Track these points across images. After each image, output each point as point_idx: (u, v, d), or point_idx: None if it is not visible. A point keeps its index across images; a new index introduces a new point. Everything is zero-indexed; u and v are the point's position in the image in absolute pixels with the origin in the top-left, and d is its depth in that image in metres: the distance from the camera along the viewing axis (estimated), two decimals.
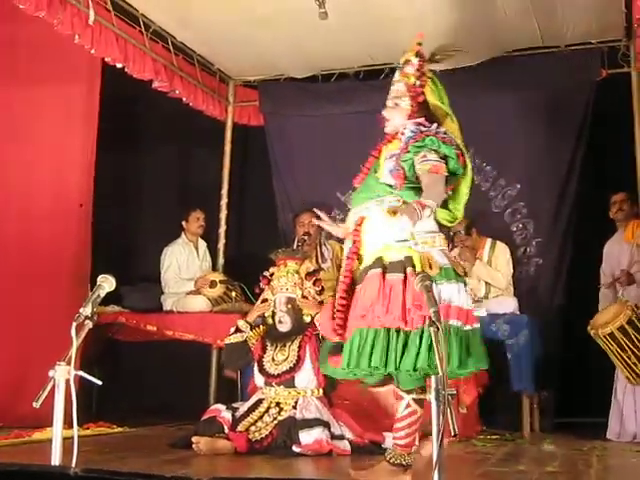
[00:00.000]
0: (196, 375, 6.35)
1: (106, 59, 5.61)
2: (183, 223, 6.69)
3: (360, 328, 3.20)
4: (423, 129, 3.42)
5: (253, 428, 4.38)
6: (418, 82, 3.54)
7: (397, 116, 3.54)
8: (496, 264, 5.98)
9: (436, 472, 2.45)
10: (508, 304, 5.76)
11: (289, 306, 4.70)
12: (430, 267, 3.22)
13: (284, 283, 4.70)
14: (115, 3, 5.58)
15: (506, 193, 6.56)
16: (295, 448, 4.23)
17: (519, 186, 6.51)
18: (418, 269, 3.19)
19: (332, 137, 6.89)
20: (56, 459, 2.81)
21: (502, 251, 6.03)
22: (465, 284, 3.39)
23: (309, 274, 4.78)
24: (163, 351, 6.41)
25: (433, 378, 2.54)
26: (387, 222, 3.32)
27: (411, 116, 3.52)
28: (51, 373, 2.82)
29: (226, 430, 4.38)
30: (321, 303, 4.62)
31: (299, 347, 4.61)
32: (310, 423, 4.30)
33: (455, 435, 2.51)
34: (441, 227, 3.44)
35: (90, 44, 5.33)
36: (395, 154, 3.42)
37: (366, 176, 3.53)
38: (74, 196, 5.72)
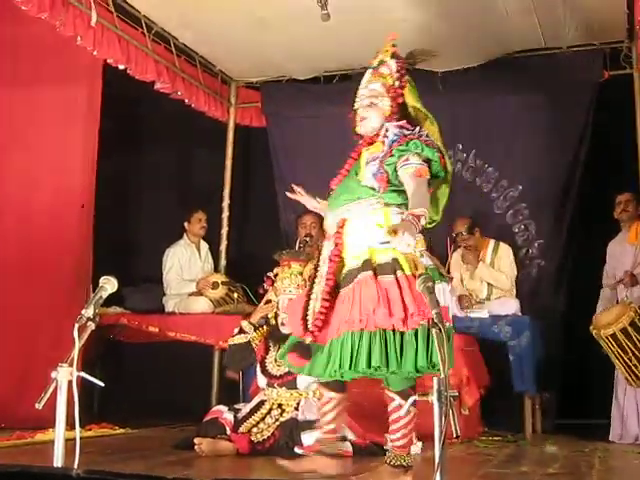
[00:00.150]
0: (198, 376, 6.35)
1: (108, 60, 5.62)
2: (185, 224, 6.69)
3: (352, 331, 3.18)
4: (406, 132, 3.40)
5: (255, 429, 4.38)
6: (398, 83, 3.53)
7: (374, 116, 3.51)
8: (499, 265, 5.98)
9: (438, 473, 2.45)
10: (510, 305, 5.77)
11: None
12: (416, 268, 3.23)
13: (288, 284, 4.69)
14: (117, 4, 5.58)
15: (508, 194, 6.56)
16: (297, 449, 4.22)
17: (521, 187, 6.52)
18: (407, 271, 3.20)
19: (334, 138, 6.87)
20: (58, 460, 2.81)
21: (505, 252, 6.03)
22: (447, 284, 3.40)
23: None
24: (165, 352, 6.41)
25: (435, 380, 2.53)
26: (370, 225, 3.32)
27: (390, 117, 3.51)
28: (53, 374, 2.82)
29: (228, 431, 4.38)
30: None
31: None
32: (312, 424, 4.29)
33: (457, 436, 2.51)
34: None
35: (92, 45, 5.33)
36: (377, 157, 3.39)
37: (344, 178, 3.50)
38: (76, 197, 5.72)
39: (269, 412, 4.51)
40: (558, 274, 6.33)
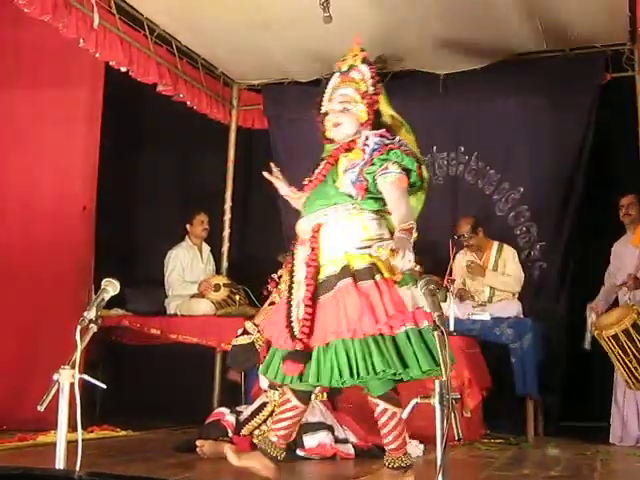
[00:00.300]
0: (200, 378, 6.35)
1: (110, 63, 5.62)
2: (187, 226, 6.70)
3: (343, 339, 3.16)
4: (387, 141, 3.36)
5: (257, 432, 4.38)
6: (372, 89, 3.50)
7: (348, 122, 3.47)
8: (504, 268, 5.98)
9: (440, 476, 2.45)
10: (512, 308, 5.76)
11: None
12: (394, 273, 3.22)
13: None
14: (120, 7, 5.59)
15: (510, 196, 6.57)
16: (299, 452, 4.24)
17: (522, 190, 6.52)
18: (385, 274, 3.20)
19: None
20: (60, 463, 2.81)
21: (511, 255, 6.03)
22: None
23: None
24: (167, 354, 6.41)
25: (437, 382, 2.53)
26: (346, 230, 3.30)
27: (365, 124, 3.47)
28: (55, 377, 2.82)
29: (230, 434, 4.38)
30: None
31: None
32: (314, 427, 4.30)
33: (459, 439, 2.50)
34: (392, 234, 3.41)
35: (95, 48, 5.34)
36: (357, 164, 3.34)
37: (320, 183, 3.46)
38: (77, 199, 5.72)
39: (271, 414, 4.49)
40: (560, 276, 6.33)
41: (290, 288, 3.38)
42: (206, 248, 6.83)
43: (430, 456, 3.92)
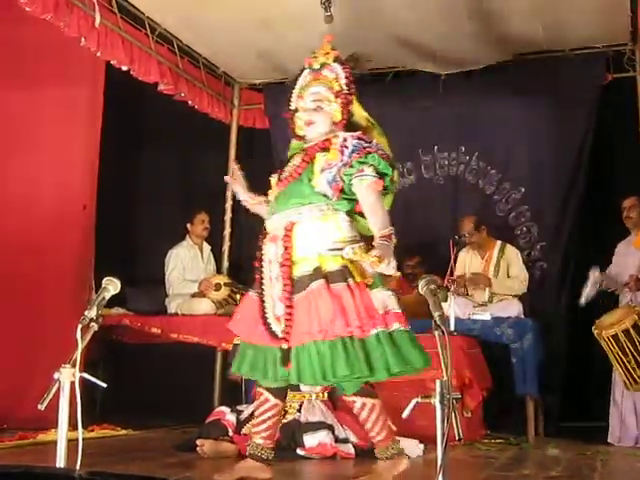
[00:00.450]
0: (200, 378, 6.35)
1: (112, 62, 5.62)
2: (188, 225, 6.70)
3: (315, 341, 3.17)
4: (365, 145, 3.36)
5: None
6: (347, 89, 3.51)
7: (321, 120, 3.48)
8: (506, 268, 5.97)
9: (440, 476, 2.45)
10: (512, 308, 5.76)
11: None
12: (364, 276, 3.25)
13: None
14: (121, 6, 5.59)
15: (510, 197, 6.57)
16: (299, 451, 4.24)
17: (523, 190, 6.53)
18: (357, 278, 3.22)
19: None
20: (61, 461, 2.82)
21: (514, 256, 6.02)
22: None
23: None
24: (167, 354, 6.41)
25: (437, 382, 2.54)
26: (320, 231, 3.32)
27: (339, 124, 3.48)
28: (56, 375, 2.82)
29: (230, 433, 4.39)
30: None
31: None
32: (314, 426, 4.31)
33: (460, 439, 2.51)
34: (361, 236, 3.42)
35: (96, 47, 5.34)
36: (335, 165, 3.34)
37: (294, 180, 3.44)
38: (77, 198, 5.72)
39: None
40: (560, 276, 6.32)
41: (260, 284, 3.39)
42: (207, 247, 6.83)
43: (430, 456, 3.91)
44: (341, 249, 3.23)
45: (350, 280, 3.21)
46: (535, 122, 6.51)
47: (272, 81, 7.12)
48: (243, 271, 6.77)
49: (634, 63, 6.07)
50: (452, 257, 5.72)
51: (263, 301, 3.34)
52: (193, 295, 6.44)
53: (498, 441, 5.15)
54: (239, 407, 4.71)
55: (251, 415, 4.49)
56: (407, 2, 5.45)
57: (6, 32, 5.64)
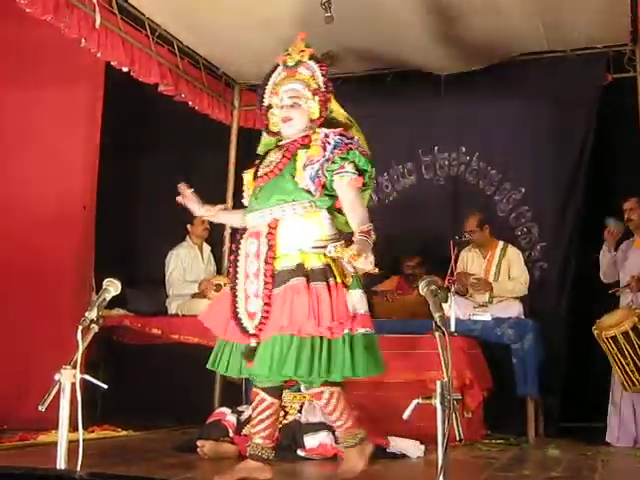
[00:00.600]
0: (201, 379, 6.33)
1: (112, 63, 5.62)
2: (188, 226, 6.69)
3: (282, 335, 3.19)
4: (347, 141, 3.40)
5: None
6: (324, 87, 3.52)
7: (298, 117, 3.49)
8: (508, 269, 5.97)
9: (441, 477, 2.45)
10: (513, 308, 5.76)
11: None
12: (345, 276, 3.29)
13: None
14: (121, 7, 5.59)
15: (511, 197, 6.57)
16: (300, 452, 4.25)
17: (524, 190, 6.52)
18: (338, 279, 3.25)
19: None
20: (61, 462, 2.82)
21: (516, 257, 6.03)
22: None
23: None
24: (168, 354, 6.40)
25: (438, 383, 2.54)
26: (304, 228, 3.34)
27: (316, 121, 3.50)
28: (57, 377, 2.83)
29: (231, 434, 4.39)
30: None
31: None
32: (315, 427, 4.30)
33: (460, 440, 2.51)
34: (340, 232, 3.44)
35: (96, 48, 5.33)
36: (317, 160, 3.36)
37: (275, 176, 3.44)
38: (77, 199, 5.72)
39: None
40: (561, 277, 6.31)
41: (234, 278, 3.39)
42: (207, 248, 6.84)
43: (431, 456, 3.92)
44: (323, 247, 3.26)
45: (331, 280, 3.24)
46: (536, 122, 6.51)
47: None
48: None
49: (634, 63, 6.07)
50: (452, 258, 5.71)
51: (235, 296, 3.36)
52: (193, 296, 6.45)
53: (499, 441, 5.15)
54: (239, 408, 4.71)
55: (251, 416, 4.51)
56: (407, 2, 5.45)
57: (6, 33, 5.64)
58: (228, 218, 4.09)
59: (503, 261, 6.01)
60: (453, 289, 5.57)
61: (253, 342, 3.25)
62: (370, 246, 3.12)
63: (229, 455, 4.23)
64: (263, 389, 3.43)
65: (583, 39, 6.05)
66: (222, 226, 7.06)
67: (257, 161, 3.66)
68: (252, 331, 3.25)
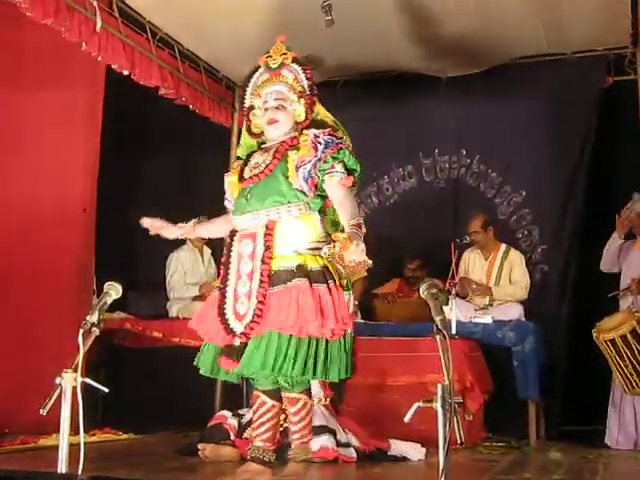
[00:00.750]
0: (202, 382, 6.31)
1: (113, 66, 5.62)
2: None
3: (280, 334, 3.20)
4: (337, 140, 3.43)
5: None
6: (309, 90, 3.54)
7: (284, 119, 3.52)
8: (508, 272, 5.97)
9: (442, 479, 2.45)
10: (514, 311, 5.76)
11: None
12: (340, 277, 3.32)
13: None
14: (122, 10, 5.59)
15: (511, 200, 6.57)
16: None
17: (524, 193, 6.53)
18: (336, 281, 3.29)
19: None
20: (62, 466, 2.81)
21: (518, 260, 6.02)
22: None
23: None
24: (169, 357, 6.40)
25: (439, 386, 2.54)
26: (299, 230, 3.38)
27: (301, 124, 3.52)
28: (58, 380, 2.83)
29: (232, 437, 4.37)
30: None
31: None
32: (316, 430, 4.28)
33: (461, 443, 2.51)
34: (328, 234, 3.45)
35: (97, 51, 5.33)
36: (309, 161, 3.38)
37: (266, 178, 3.46)
38: (77, 201, 5.71)
39: None
40: (562, 279, 6.31)
41: (225, 279, 3.40)
42: (207, 251, 6.83)
43: (432, 459, 3.92)
44: (319, 248, 3.27)
45: (330, 282, 3.27)
46: (536, 125, 6.51)
47: None
48: None
49: (635, 66, 6.08)
50: (453, 260, 5.71)
51: (224, 296, 3.36)
52: (194, 299, 6.45)
53: (500, 444, 5.14)
54: (240, 411, 4.70)
55: (252, 419, 4.50)
56: (407, 3, 5.46)
57: (6, 34, 5.64)
58: (208, 230, 4.05)
59: (505, 264, 6.01)
60: (454, 292, 5.57)
61: (237, 341, 3.26)
62: (361, 238, 3.13)
63: (230, 458, 4.22)
64: (264, 392, 3.44)
65: (584, 41, 6.06)
66: None
67: (237, 163, 3.67)
68: (240, 331, 3.27)
